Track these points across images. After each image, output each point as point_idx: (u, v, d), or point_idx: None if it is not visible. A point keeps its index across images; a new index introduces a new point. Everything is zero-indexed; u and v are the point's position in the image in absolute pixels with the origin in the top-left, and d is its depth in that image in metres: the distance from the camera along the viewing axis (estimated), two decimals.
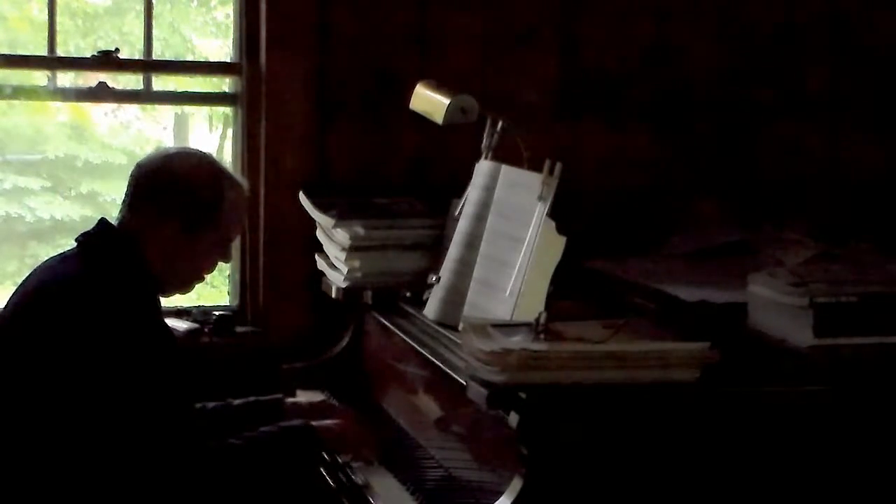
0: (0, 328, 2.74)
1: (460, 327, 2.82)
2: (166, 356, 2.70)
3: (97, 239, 2.79)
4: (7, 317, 2.74)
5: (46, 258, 2.89)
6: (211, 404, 3.06)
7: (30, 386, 2.60)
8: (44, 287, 2.73)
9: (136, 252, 2.76)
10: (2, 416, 2.64)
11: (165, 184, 2.79)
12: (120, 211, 2.83)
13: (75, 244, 2.81)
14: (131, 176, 2.83)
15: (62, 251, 2.86)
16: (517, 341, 2.49)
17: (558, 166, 2.89)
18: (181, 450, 2.62)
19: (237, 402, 3.10)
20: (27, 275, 2.86)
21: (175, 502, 2.62)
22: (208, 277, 2.97)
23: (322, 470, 3.00)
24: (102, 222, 2.82)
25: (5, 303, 2.81)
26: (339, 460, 2.94)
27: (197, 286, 2.95)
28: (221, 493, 2.68)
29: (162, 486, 2.59)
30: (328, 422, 2.94)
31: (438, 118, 3.38)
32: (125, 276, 2.71)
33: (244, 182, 2.93)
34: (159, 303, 2.85)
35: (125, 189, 2.84)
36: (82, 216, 4.99)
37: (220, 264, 2.98)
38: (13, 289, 2.84)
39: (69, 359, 2.57)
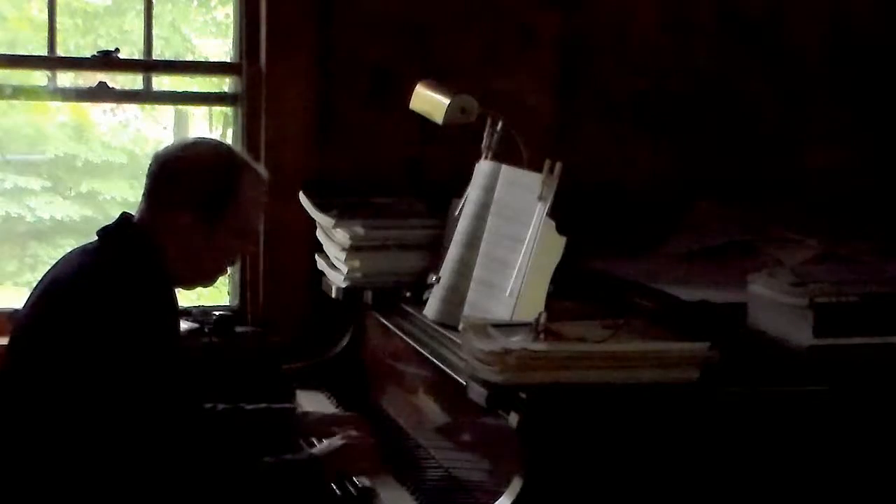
0: (22, 322, 2.76)
1: (460, 327, 2.82)
2: (171, 354, 2.70)
3: (114, 232, 2.80)
4: (29, 310, 2.76)
5: (59, 255, 2.89)
6: (221, 406, 3.06)
7: (43, 379, 2.61)
8: (59, 281, 2.73)
9: (151, 245, 2.76)
10: (19, 409, 2.64)
11: (179, 174, 2.79)
12: (140, 204, 2.83)
13: (96, 238, 2.81)
14: (149, 168, 2.83)
15: (82, 244, 2.86)
16: (517, 341, 2.49)
17: (558, 166, 2.89)
18: (183, 454, 2.62)
19: (249, 407, 3.09)
20: (49, 267, 2.86)
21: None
22: None
23: None
24: (122, 216, 2.82)
25: (28, 295, 2.82)
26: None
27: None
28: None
29: (158, 487, 2.59)
30: (329, 447, 2.90)
31: (438, 118, 3.38)
32: (137, 270, 2.71)
33: (262, 170, 2.91)
34: (174, 297, 2.84)
35: (144, 182, 2.84)
36: (82, 216, 4.99)
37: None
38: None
39: (76, 353, 2.57)
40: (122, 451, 2.57)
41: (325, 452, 2.87)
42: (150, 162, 2.84)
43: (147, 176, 2.83)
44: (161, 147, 2.89)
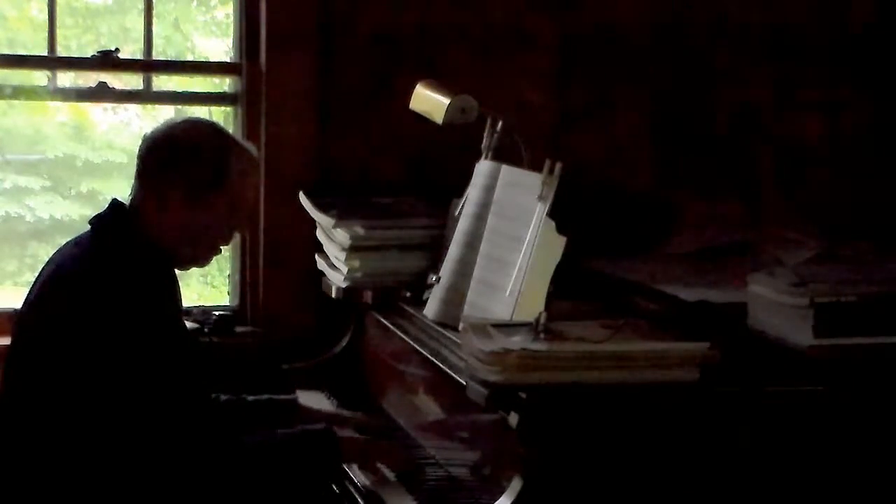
0: (24, 317, 2.76)
1: (460, 327, 2.82)
2: (176, 335, 2.70)
3: (107, 219, 2.79)
4: (30, 305, 2.76)
5: (54, 250, 2.88)
6: (224, 396, 3.06)
7: (49, 371, 2.60)
8: (59, 273, 2.73)
9: (145, 227, 2.75)
10: (24, 403, 2.64)
11: (169, 152, 2.78)
12: (132, 188, 2.82)
13: (89, 227, 2.81)
14: (139, 149, 2.82)
15: (75, 236, 2.84)
16: (517, 341, 2.49)
17: (558, 166, 2.89)
18: (196, 439, 2.62)
19: (251, 398, 3.10)
20: (46, 260, 2.85)
21: (182, 494, 2.61)
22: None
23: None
24: (113, 202, 2.82)
25: (28, 290, 2.81)
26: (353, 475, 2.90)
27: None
28: (231, 490, 2.67)
29: (171, 473, 2.59)
30: (348, 434, 2.92)
31: (438, 118, 3.38)
32: (135, 253, 2.71)
33: (251, 147, 2.92)
34: (174, 276, 2.84)
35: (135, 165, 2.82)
36: (82, 216, 4.98)
37: (226, 255, 2.96)
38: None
39: (81, 343, 2.57)
40: (134, 437, 2.57)
41: (342, 434, 2.87)
42: (140, 143, 2.83)
43: (138, 158, 2.81)
44: (150, 129, 2.87)
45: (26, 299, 2.80)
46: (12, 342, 2.76)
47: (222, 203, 2.81)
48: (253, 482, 2.68)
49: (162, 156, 2.78)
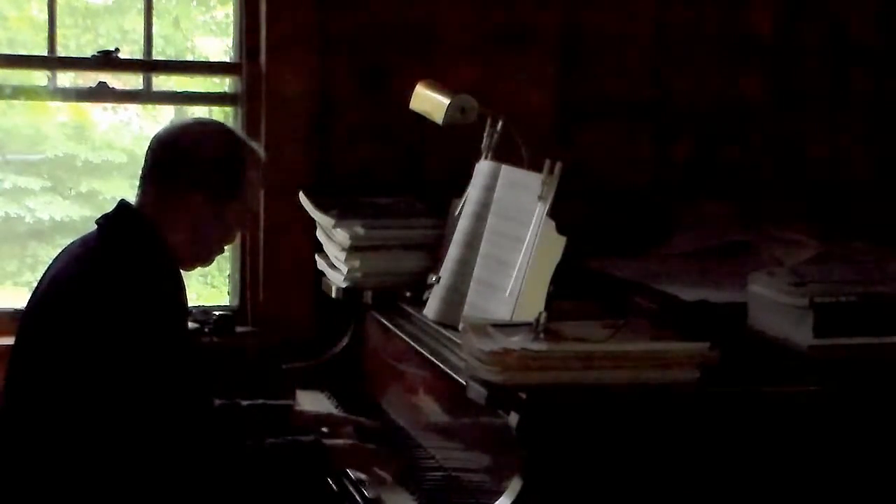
0: (29, 315, 2.75)
1: (460, 327, 2.81)
2: (182, 339, 2.70)
3: (115, 220, 2.78)
4: (36, 306, 2.75)
5: (54, 251, 2.87)
6: (218, 402, 3.06)
7: (55, 373, 2.60)
8: (65, 274, 2.72)
9: (153, 229, 2.74)
10: (27, 401, 2.64)
11: (187, 155, 2.77)
12: (139, 188, 2.80)
13: (96, 227, 2.80)
14: (149, 151, 2.80)
15: (81, 236, 2.84)
16: (517, 341, 2.49)
17: (558, 166, 2.89)
18: (193, 445, 2.62)
19: (245, 402, 3.09)
20: (51, 260, 2.85)
21: (173, 497, 2.61)
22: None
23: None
24: (121, 203, 2.80)
25: (33, 291, 2.81)
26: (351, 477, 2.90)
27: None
28: (221, 496, 2.67)
29: (167, 476, 2.59)
30: (339, 441, 2.92)
31: (438, 118, 3.38)
32: (143, 255, 2.70)
33: (258, 146, 2.92)
34: (180, 278, 2.83)
35: (143, 165, 2.81)
36: (82, 216, 4.99)
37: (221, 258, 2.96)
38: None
39: (88, 345, 2.57)
40: (134, 439, 2.57)
41: (331, 443, 2.87)
42: (150, 144, 2.81)
43: (148, 159, 2.80)
44: (161, 130, 2.85)
45: (32, 298, 2.79)
46: (17, 341, 2.76)
47: (237, 205, 2.81)
48: (241, 490, 2.68)
49: (175, 160, 2.77)
